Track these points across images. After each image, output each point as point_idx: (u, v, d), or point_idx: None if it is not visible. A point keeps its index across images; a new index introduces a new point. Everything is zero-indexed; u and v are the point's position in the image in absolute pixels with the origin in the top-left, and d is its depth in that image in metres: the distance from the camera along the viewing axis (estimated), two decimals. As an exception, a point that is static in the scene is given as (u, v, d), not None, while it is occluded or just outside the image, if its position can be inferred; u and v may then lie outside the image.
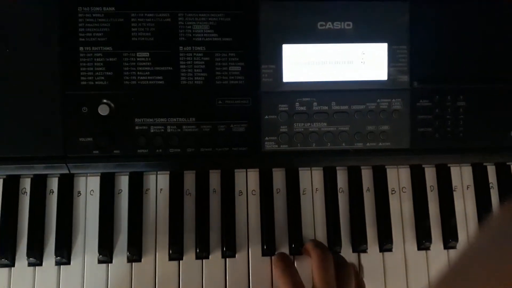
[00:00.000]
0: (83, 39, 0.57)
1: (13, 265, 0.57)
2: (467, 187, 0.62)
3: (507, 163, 0.63)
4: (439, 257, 0.60)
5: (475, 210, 0.62)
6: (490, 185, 0.62)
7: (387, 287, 0.59)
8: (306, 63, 0.58)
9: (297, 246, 0.58)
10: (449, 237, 0.60)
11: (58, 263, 0.57)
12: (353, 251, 0.60)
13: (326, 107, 0.59)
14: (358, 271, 0.57)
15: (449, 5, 0.59)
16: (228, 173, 0.60)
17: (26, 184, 0.59)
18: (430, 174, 0.62)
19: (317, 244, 0.55)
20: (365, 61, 0.59)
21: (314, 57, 0.58)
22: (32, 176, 0.59)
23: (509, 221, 0.25)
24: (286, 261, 0.54)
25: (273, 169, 0.61)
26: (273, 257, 0.56)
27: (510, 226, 0.25)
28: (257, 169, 0.61)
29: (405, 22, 0.59)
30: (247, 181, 0.61)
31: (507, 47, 0.60)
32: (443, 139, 0.59)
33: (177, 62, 0.57)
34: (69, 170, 0.58)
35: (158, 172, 0.60)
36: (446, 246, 0.60)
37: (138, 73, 0.57)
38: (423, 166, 0.62)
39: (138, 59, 0.57)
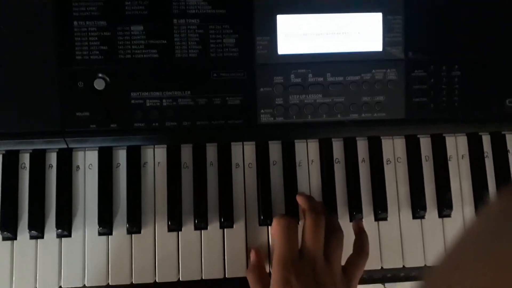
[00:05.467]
0: (77, 14, 0.57)
1: (15, 238, 0.58)
2: (462, 157, 0.63)
3: (502, 132, 0.63)
4: (433, 226, 0.61)
5: (470, 180, 0.62)
6: (485, 154, 0.63)
7: (383, 255, 0.60)
8: (300, 34, 0.58)
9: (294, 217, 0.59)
10: (444, 206, 0.60)
11: (59, 236, 0.58)
12: (350, 221, 0.60)
13: (321, 79, 0.59)
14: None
15: (445, -26, 0.59)
16: (225, 146, 0.61)
17: (25, 159, 0.60)
18: (425, 144, 0.62)
19: (313, 206, 0.56)
20: (360, 32, 0.59)
21: (309, 28, 0.58)
22: (31, 151, 0.60)
23: (506, 211, 0.25)
24: (289, 221, 0.54)
25: (269, 142, 0.61)
26: (278, 216, 0.56)
27: (507, 217, 0.25)
28: (253, 142, 0.61)
29: (400, -9, 0.58)
30: (244, 153, 0.61)
31: (502, 18, 0.60)
32: (438, 109, 0.59)
33: (171, 35, 0.57)
34: (67, 145, 0.59)
35: (156, 146, 0.61)
36: (441, 215, 0.61)
37: (133, 47, 0.57)
38: (418, 136, 0.62)
39: (132, 33, 0.57)
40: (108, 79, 0.57)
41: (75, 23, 0.57)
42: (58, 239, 0.58)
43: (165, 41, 0.57)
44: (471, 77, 0.59)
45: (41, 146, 0.59)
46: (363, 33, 0.59)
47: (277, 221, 0.54)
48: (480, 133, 0.63)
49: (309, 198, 0.58)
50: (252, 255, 0.58)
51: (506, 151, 0.63)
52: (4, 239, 0.58)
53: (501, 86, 0.60)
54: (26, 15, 0.56)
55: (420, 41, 0.59)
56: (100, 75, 0.57)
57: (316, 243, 0.53)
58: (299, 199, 0.58)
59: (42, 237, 0.58)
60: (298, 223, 0.57)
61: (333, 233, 0.55)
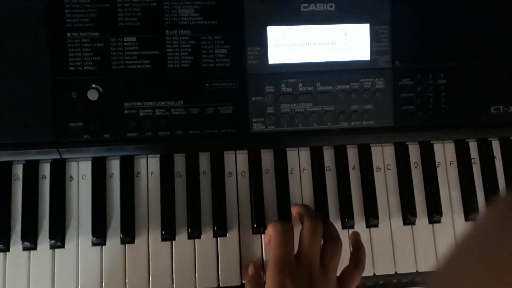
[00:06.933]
0: (70, 25, 0.57)
1: (8, 250, 0.58)
2: (450, 163, 0.64)
3: (488, 139, 0.65)
4: (424, 232, 0.62)
5: (458, 185, 0.63)
6: (472, 160, 0.64)
7: (375, 261, 0.61)
8: (290, 44, 0.59)
9: (286, 223, 0.60)
10: (434, 212, 0.61)
11: (52, 247, 0.58)
12: (342, 228, 0.61)
13: (311, 88, 0.60)
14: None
15: (429, -15, 0.61)
16: (218, 155, 0.62)
17: (18, 170, 0.60)
18: (414, 151, 0.64)
19: (310, 213, 0.56)
20: (348, 42, 0.60)
21: (298, 38, 0.59)
22: (24, 162, 0.60)
23: (503, 218, 0.25)
24: (285, 226, 0.55)
25: (262, 150, 0.62)
26: (273, 222, 0.56)
27: (504, 223, 0.25)
28: (246, 151, 0.62)
29: (386, 2, 0.60)
30: (236, 162, 0.62)
31: (486, 25, 0.61)
32: (426, 116, 0.61)
33: (164, 46, 0.58)
34: (60, 155, 0.59)
35: (149, 155, 0.61)
36: (431, 221, 0.62)
37: (126, 57, 0.58)
38: (406, 143, 0.64)
39: (125, 43, 0.58)
40: (101, 89, 0.58)
41: (69, 34, 0.57)
42: (51, 250, 0.58)
43: (158, 52, 0.58)
44: (457, 85, 0.61)
45: (34, 157, 0.60)
46: (351, 43, 0.60)
47: (272, 226, 0.55)
48: (467, 140, 0.64)
49: (305, 205, 0.59)
50: (250, 268, 0.58)
51: (493, 157, 0.64)
52: (-4, 250, 0.58)
53: (486, 93, 0.61)
54: (20, 27, 0.57)
55: (407, 50, 0.61)
56: (93, 85, 0.58)
57: (313, 248, 0.53)
58: (295, 209, 0.59)
59: (35, 248, 0.58)
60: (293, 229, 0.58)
61: (331, 242, 0.55)
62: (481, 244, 0.25)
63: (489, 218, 0.27)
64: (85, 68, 0.57)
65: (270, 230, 0.55)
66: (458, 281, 0.25)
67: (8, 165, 0.59)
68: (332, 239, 0.55)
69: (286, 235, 0.54)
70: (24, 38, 0.57)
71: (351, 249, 0.59)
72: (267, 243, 0.57)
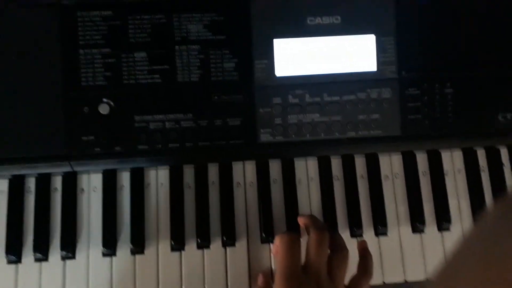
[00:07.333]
0: (83, 42, 0.59)
1: (20, 262, 0.59)
2: (459, 171, 0.64)
3: (496, 147, 0.65)
4: (433, 239, 0.61)
5: (467, 193, 0.63)
6: (481, 168, 0.64)
7: (384, 270, 0.60)
8: (297, 57, 0.60)
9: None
10: (443, 220, 0.61)
11: (63, 258, 0.59)
12: (351, 236, 0.61)
13: (318, 99, 0.61)
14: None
15: (433, -4, 0.62)
16: (226, 166, 0.62)
17: (31, 183, 0.61)
18: (421, 160, 0.64)
19: (316, 223, 0.57)
20: (354, 53, 0.61)
21: (305, 51, 0.61)
22: (36, 175, 0.61)
23: (503, 217, 0.26)
24: (292, 237, 0.55)
25: (269, 161, 0.63)
26: (281, 233, 0.56)
27: (504, 222, 0.25)
28: (254, 161, 0.63)
29: (391, 13, 0.61)
30: (245, 172, 0.63)
31: (491, 34, 0.62)
32: (433, 125, 0.61)
33: (173, 61, 0.60)
34: (72, 168, 0.60)
35: (159, 167, 0.62)
36: (440, 229, 0.62)
37: (136, 72, 0.59)
38: (414, 152, 0.64)
39: (136, 59, 0.59)
40: (112, 103, 0.59)
41: (81, 51, 0.59)
42: (62, 261, 0.59)
43: (168, 66, 0.60)
44: (463, 93, 0.61)
45: (46, 170, 0.61)
46: (357, 54, 0.61)
47: (279, 237, 0.55)
48: (475, 148, 0.65)
49: (311, 216, 0.59)
50: (260, 279, 0.58)
51: (501, 165, 0.64)
52: (9, 262, 0.58)
53: (492, 101, 0.62)
54: (34, 44, 0.59)
55: (413, 60, 0.61)
56: (104, 100, 0.59)
57: (320, 258, 0.53)
58: (301, 219, 0.59)
59: (47, 260, 0.59)
60: (301, 240, 0.58)
61: (337, 251, 0.55)
62: (483, 243, 0.25)
63: (491, 217, 0.27)
64: (96, 83, 0.59)
65: (277, 241, 0.55)
66: (459, 279, 0.25)
67: (21, 178, 0.61)
68: (338, 248, 0.55)
69: (293, 245, 0.54)
70: (38, 54, 0.59)
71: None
72: (275, 254, 0.57)
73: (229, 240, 0.59)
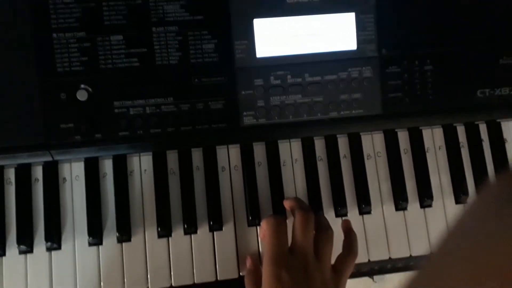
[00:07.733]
0: (56, 26, 0.57)
1: (4, 255, 0.58)
2: (439, 148, 0.65)
3: (475, 122, 0.66)
4: (416, 216, 0.63)
5: (448, 169, 0.64)
6: (461, 144, 0.65)
7: (369, 248, 0.62)
8: (277, 37, 0.60)
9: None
10: (425, 196, 0.63)
11: (49, 249, 0.58)
12: (336, 216, 0.62)
13: (300, 79, 0.60)
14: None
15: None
16: (210, 150, 0.62)
17: (10, 174, 0.59)
18: (403, 138, 0.65)
19: (301, 205, 0.57)
20: (334, 32, 0.60)
21: (285, 30, 0.60)
22: (16, 166, 0.60)
23: (493, 202, 0.26)
24: (278, 220, 0.55)
25: (254, 144, 0.63)
26: (267, 217, 0.57)
27: (495, 207, 0.25)
28: (238, 145, 0.63)
29: (371, -9, 0.60)
30: (229, 157, 0.62)
31: (469, 10, 0.62)
32: (413, 103, 0.62)
33: (151, 43, 0.58)
34: (52, 157, 0.59)
35: (141, 154, 0.61)
36: (422, 205, 0.63)
37: (113, 56, 0.58)
38: (395, 130, 0.65)
39: (112, 42, 0.58)
40: (90, 89, 0.57)
41: (54, 35, 0.57)
42: (48, 253, 0.58)
43: (145, 49, 0.58)
44: (443, 70, 0.62)
45: (26, 160, 0.59)
46: (337, 33, 0.60)
47: (266, 221, 0.56)
48: (455, 124, 0.66)
49: (296, 198, 0.60)
50: (248, 261, 0.59)
51: (480, 141, 0.65)
52: (-8, 256, 0.57)
53: (472, 77, 0.62)
54: (4, 30, 0.56)
55: (393, 38, 0.61)
56: (82, 86, 0.57)
57: (306, 239, 0.54)
58: (287, 203, 0.60)
59: (32, 252, 0.58)
60: (287, 222, 0.58)
61: (322, 231, 0.56)
62: (473, 229, 0.26)
63: (479, 203, 0.28)
64: (73, 68, 0.57)
65: (264, 225, 0.56)
66: (450, 265, 0.26)
67: (0, 169, 0.59)
68: (323, 228, 0.56)
69: (279, 228, 0.54)
70: (10, 40, 0.56)
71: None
72: (262, 237, 0.57)
73: (216, 224, 0.60)
